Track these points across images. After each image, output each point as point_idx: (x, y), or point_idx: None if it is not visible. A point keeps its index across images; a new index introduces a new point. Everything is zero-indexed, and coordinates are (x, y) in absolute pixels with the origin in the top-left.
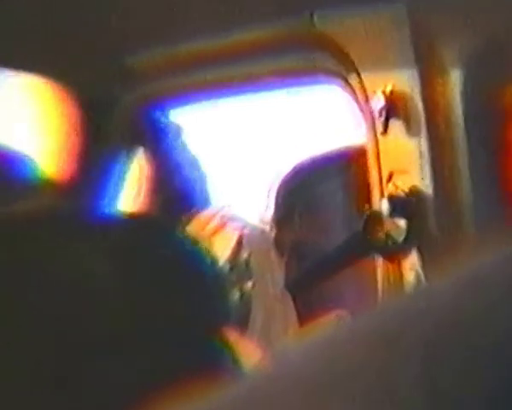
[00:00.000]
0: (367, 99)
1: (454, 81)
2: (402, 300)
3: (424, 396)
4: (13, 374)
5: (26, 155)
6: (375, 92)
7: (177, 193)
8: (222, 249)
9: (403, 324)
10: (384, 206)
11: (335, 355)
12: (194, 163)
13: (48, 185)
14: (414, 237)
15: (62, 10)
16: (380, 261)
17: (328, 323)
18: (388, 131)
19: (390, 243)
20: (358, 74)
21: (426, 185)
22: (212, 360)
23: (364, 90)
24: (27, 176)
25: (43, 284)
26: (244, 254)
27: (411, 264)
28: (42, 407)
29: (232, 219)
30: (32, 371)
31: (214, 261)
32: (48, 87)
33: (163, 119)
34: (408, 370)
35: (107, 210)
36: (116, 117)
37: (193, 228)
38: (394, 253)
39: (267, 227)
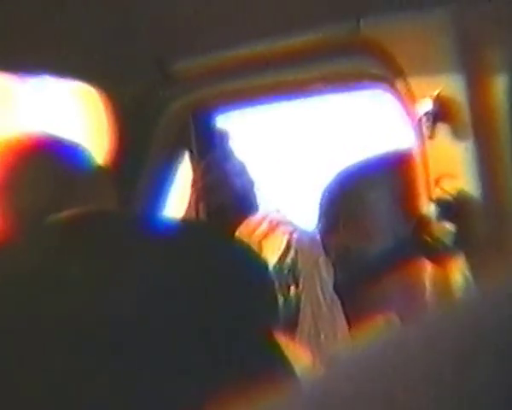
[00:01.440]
0: (414, 104)
1: (501, 85)
2: (454, 306)
3: (495, 402)
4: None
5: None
6: (422, 97)
7: (225, 198)
8: (271, 253)
9: (455, 333)
10: (432, 210)
11: (387, 360)
12: (242, 169)
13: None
14: (462, 241)
15: (108, 17)
16: (428, 265)
17: (378, 326)
18: (436, 135)
19: (438, 246)
20: (405, 79)
21: (473, 189)
22: (262, 364)
23: (412, 95)
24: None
25: (97, 286)
26: (293, 258)
27: (459, 267)
28: None
29: (281, 223)
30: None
31: (264, 265)
32: (95, 94)
33: (211, 125)
34: (469, 380)
35: (156, 216)
36: (164, 123)
37: (243, 233)
38: (442, 256)
39: (316, 231)
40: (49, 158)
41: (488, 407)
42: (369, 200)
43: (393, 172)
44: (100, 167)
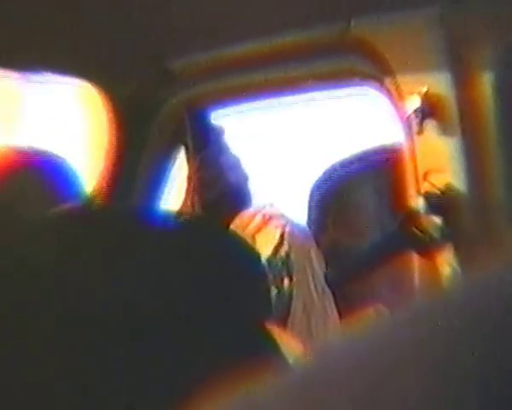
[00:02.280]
0: (403, 101)
1: (486, 82)
2: (438, 296)
3: (477, 392)
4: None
5: (65, 160)
6: (410, 94)
7: (220, 193)
8: (265, 246)
9: (442, 318)
10: (420, 204)
11: (377, 349)
12: (236, 163)
13: (92, 189)
14: (449, 234)
15: (107, 16)
16: (416, 258)
17: (368, 317)
18: (424, 131)
19: (426, 239)
20: (394, 77)
21: (460, 183)
22: (254, 353)
23: (400, 93)
24: (71, 180)
25: (97, 284)
26: (286, 251)
27: (447, 260)
28: None
29: (275, 217)
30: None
31: (257, 257)
32: (93, 91)
33: (206, 121)
34: (457, 364)
35: (153, 209)
36: (161, 120)
37: (237, 226)
38: (431, 249)
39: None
40: (34, 174)
41: (476, 389)
42: (356, 196)
43: (381, 168)
44: (85, 184)
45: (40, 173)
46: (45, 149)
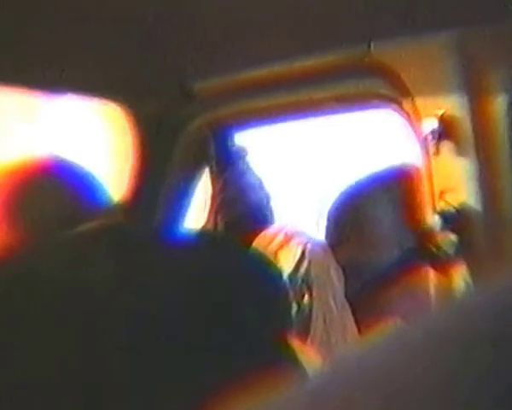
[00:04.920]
0: (420, 123)
1: (501, 105)
2: (454, 307)
3: (490, 399)
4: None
5: (94, 176)
6: (427, 116)
7: (242, 212)
8: (286, 263)
9: (456, 330)
10: (436, 221)
11: (394, 362)
12: (259, 183)
13: (116, 206)
14: (464, 250)
15: (131, 36)
16: (432, 273)
17: (386, 331)
18: (440, 152)
19: (441, 255)
20: (412, 100)
21: (475, 202)
22: (276, 367)
23: (418, 115)
24: (97, 196)
25: (119, 301)
26: (307, 268)
27: (461, 275)
28: None
29: (296, 234)
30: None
31: (279, 274)
32: (118, 112)
33: (229, 141)
34: (471, 374)
35: (175, 229)
36: (184, 140)
37: (259, 244)
38: (445, 265)
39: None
40: (56, 181)
41: (486, 399)
42: (373, 213)
43: (398, 187)
44: (108, 195)
45: (63, 181)
46: (68, 157)
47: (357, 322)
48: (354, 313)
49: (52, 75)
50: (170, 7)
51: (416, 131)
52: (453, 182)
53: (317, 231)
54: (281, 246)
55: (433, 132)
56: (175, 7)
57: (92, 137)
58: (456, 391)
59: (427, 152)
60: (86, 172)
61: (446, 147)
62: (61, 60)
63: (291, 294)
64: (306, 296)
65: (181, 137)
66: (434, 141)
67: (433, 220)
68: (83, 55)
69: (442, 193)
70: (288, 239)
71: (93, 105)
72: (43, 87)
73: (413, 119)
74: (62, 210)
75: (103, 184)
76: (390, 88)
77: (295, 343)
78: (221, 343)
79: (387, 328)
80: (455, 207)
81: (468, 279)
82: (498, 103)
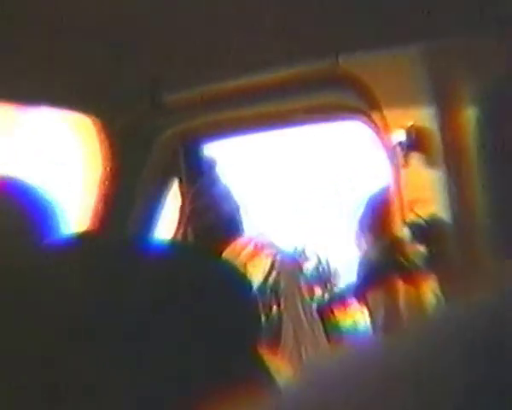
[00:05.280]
0: (389, 134)
1: (470, 117)
2: (422, 319)
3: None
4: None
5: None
6: (396, 128)
7: (213, 222)
8: (256, 274)
9: (426, 339)
10: (406, 233)
11: (365, 370)
12: (228, 194)
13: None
14: (433, 262)
15: (101, 48)
16: (402, 284)
17: (356, 341)
18: (409, 163)
19: (411, 267)
20: (381, 111)
21: (444, 213)
22: (246, 377)
23: (387, 126)
24: (47, 214)
25: (91, 312)
26: (275, 279)
27: (431, 287)
28: None
29: (265, 246)
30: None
31: (249, 285)
32: (89, 123)
33: (199, 153)
34: (441, 380)
35: (148, 238)
36: (155, 151)
37: (229, 254)
38: (415, 276)
39: (297, 254)
40: (7, 201)
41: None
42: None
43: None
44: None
45: (17, 202)
46: (20, 176)
47: (327, 332)
48: (324, 324)
49: (24, 88)
50: (141, 20)
51: (385, 142)
52: (422, 193)
53: (290, 241)
54: (251, 257)
55: (401, 144)
56: (146, 20)
57: (64, 149)
58: (430, 401)
59: (396, 164)
60: (37, 192)
61: (415, 158)
62: (33, 72)
63: (260, 305)
64: (275, 307)
65: (152, 149)
66: (403, 152)
67: (403, 232)
68: (55, 67)
69: (411, 204)
70: (257, 250)
71: (65, 117)
72: (15, 100)
73: (382, 130)
74: (9, 226)
75: (56, 203)
76: (359, 100)
77: (266, 353)
78: (192, 353)
79: (357, 339)
80: (424, 219)
81: (438, 291)
82: (467, 115)
